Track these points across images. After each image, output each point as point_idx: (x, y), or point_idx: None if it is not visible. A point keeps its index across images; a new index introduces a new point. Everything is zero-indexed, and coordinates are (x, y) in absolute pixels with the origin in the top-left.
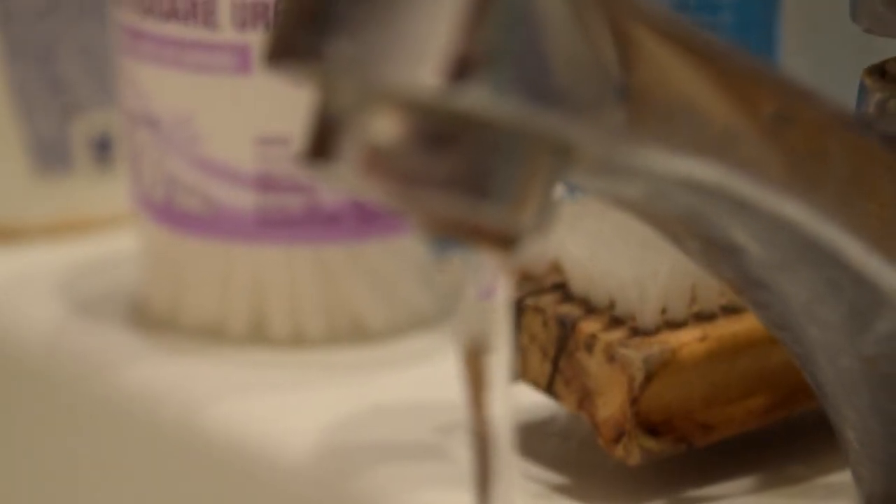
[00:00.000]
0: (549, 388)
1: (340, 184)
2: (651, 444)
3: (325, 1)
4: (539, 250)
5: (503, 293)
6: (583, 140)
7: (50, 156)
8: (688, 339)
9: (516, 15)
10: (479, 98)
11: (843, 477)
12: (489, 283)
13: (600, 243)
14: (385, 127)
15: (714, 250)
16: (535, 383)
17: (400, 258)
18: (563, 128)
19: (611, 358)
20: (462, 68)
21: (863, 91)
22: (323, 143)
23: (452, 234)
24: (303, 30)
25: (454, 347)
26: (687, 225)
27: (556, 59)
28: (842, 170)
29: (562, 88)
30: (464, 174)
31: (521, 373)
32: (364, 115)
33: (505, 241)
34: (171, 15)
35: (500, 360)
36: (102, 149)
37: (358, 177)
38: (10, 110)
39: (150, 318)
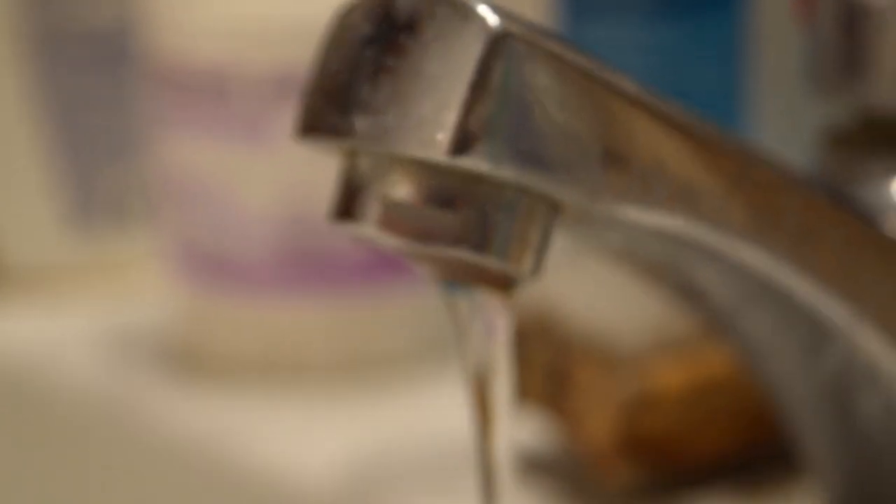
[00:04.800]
0: (540, 419)
1: (363, 240)
2: (635, 470)
3: (348, 85)
4: (534, 290)
5: (505, 329)
6: (569, 198)
7: (79, 208)
8: (670, 374)
9: (511, 95)
10: (479, 166)
11: (809, 490)
12: (492, 321)
13: (587, 284)
14: (400, 191)
15: (685, 292)
16: (528, 414)
17: (412, 304)
18: (553, 188)
19: (600, 392)
20: (465, 142)
21: (818, 150)
22: (347, 205)
23: (458, 279)
24: (330, 109)
25: (461, 379)
26: (660, 270)
27: (545, 131)
28: (794, 222)
29: (551, 155)
30: (469, 230)
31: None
32: (382, 181)
33: (506, 285)
34: (196, 85)
35: (503, 391)
36: (130, 200)
37: (377, 234)
38: (41, 164)
39: (178, 364)
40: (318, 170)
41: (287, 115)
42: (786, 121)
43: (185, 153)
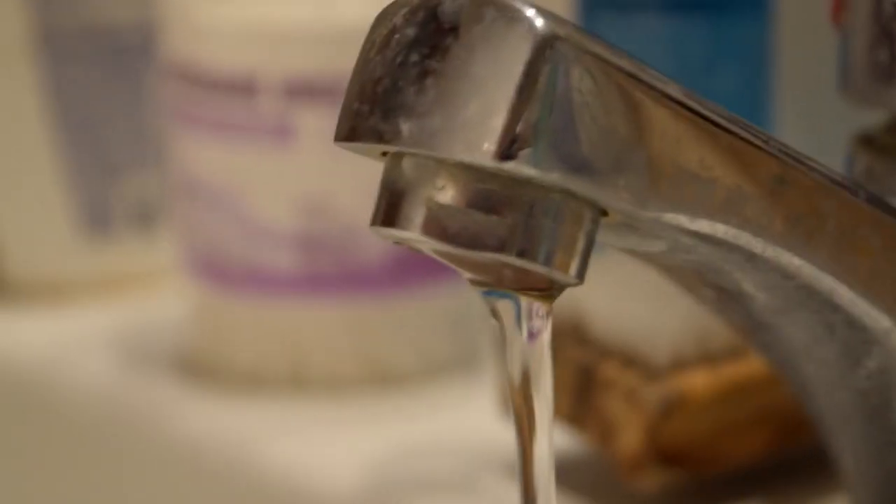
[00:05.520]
0: (571, 425)
1: (406, 245)
2: (665, 474)
3: (393, 88)
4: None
5: (546, 334)
6: (615, 204)
7: (93, 216)
8: (698, 380)
9: (557, 98)
10: (526, 171)
11: (841, 499)
12: (533, 326)
13: (618, 292)
14: (445, 195)
15: (725, 297)
16: (559, 421)
17: (429, 310)
18: (599, 193)
19: (629, 398)
20: (512, 146)
21: (851, 156)
22: (391, 210)
23: (501, 284)
24: (374, 113)
25: (481, 386)
26: (701, 275)
27: (592, 135)
28: (834, 226)
29: (597, 159)
30: (515, 235)
31: None
32: (426, 185)
33: (548, 290)
34: (217, 90)
35: (544, 396)
36: (144, 209)
37: (421, 238)
38: (55, 173)
39: (195, 370)
40: (340, 174)
41: (309, 119)
42: (812, 125)
43: (205, 158)
